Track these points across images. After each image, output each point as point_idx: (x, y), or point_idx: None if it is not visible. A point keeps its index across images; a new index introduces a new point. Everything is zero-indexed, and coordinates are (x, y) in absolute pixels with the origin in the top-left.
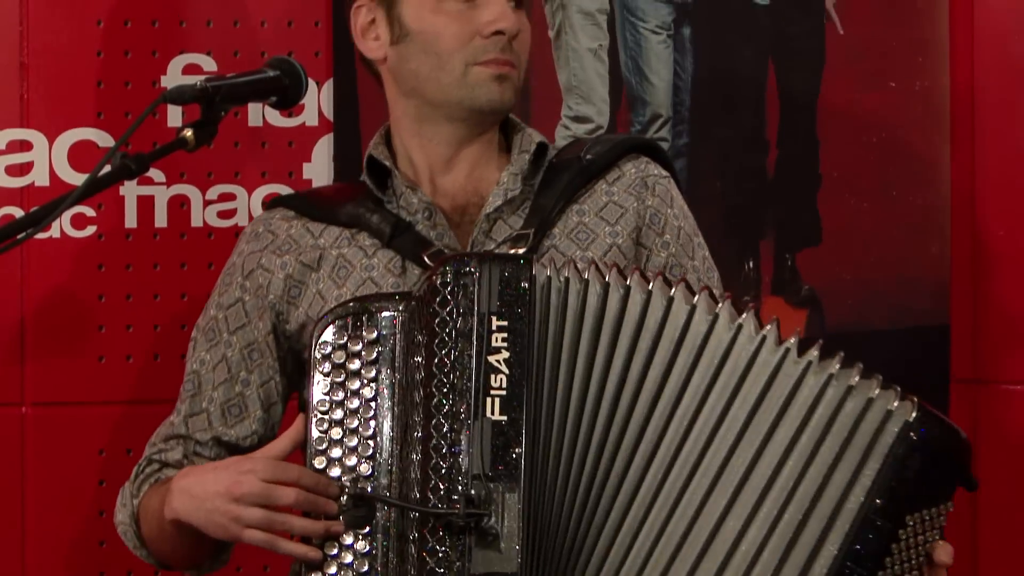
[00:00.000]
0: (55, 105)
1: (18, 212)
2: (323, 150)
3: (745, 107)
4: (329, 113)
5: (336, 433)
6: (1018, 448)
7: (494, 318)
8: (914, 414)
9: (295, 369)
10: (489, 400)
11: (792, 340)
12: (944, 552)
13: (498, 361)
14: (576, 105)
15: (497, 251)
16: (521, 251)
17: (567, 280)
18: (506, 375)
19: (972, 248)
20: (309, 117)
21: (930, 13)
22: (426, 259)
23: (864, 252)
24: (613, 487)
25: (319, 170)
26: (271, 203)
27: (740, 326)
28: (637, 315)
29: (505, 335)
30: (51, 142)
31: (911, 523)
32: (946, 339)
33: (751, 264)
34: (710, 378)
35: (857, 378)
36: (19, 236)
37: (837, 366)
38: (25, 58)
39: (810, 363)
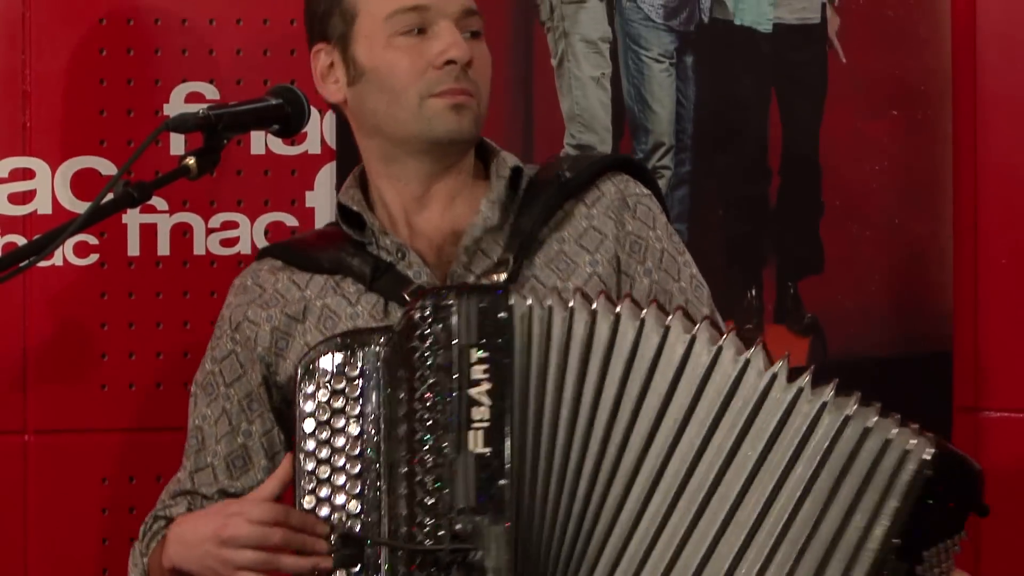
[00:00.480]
0: (58, 133)
1: (21, 240)
2: (326, 178)
3: (747, 135)
4: (332, 141)
5: (324, 471)
6: (1020, 476)
7: (473, 350)
8: (931, 450)
9: (289, 418)
10: (472, 433)
11: (806, 378)
12: None
13: (479, 393)
14: (579, 133)
15: (475, 282)
16: (502, 277)
17: (550, 308)
18: (488, 407)
19: (974, 276)
20: (312, 145)
21: (933, 41)
22: (406, 296)
23: (866, 280)
24: (607, 521)
25: (322, 198)
26: (259, 254)
27: (748, 361)
28: (629, 344)
29: (485, 367)
30: (54, 170)
31: (927, 557)
32: (948, 367)
33: (753, 292)
34: (716, 413)
35: (875, 418)
36: (22, 264)
37: (854, 406)
38: (28, 86)
39: (825, 403)
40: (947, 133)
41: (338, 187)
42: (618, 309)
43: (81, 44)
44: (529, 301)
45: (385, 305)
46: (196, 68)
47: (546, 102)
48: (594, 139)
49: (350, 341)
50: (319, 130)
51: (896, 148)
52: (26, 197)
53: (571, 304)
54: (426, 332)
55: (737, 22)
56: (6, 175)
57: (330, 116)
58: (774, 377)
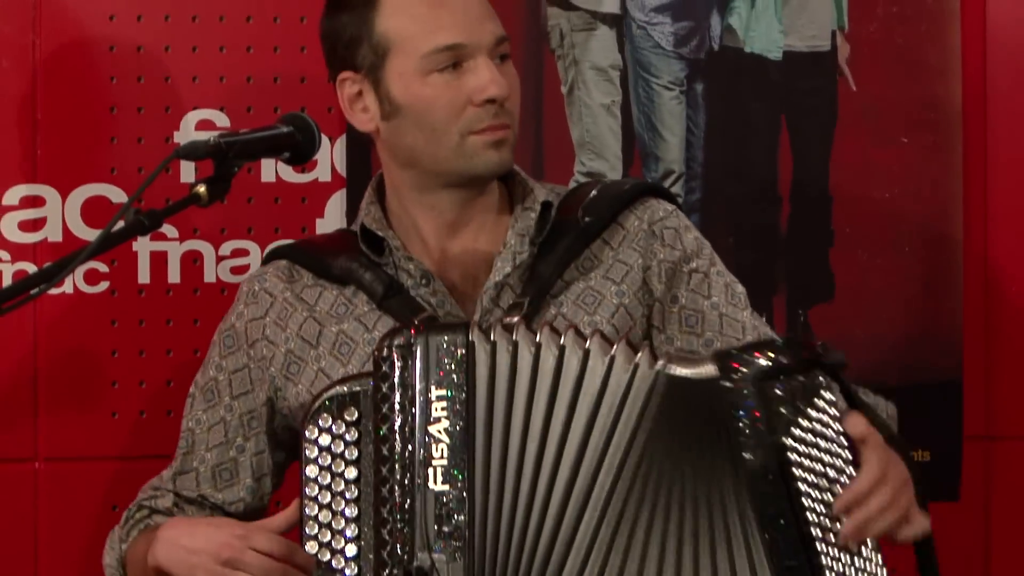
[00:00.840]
0: (68, 161)
1: (31, 268)
2: (336, 206)
3: (757, 163)
4: (342, 169)
5: (325, 516)
6: None
7: (433, 387)
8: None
9: (292, 442)
10: (431, 470)
11: (640, 355)
12: (854, 424)
13: (439, 431)
14: (589, 161)
15: (440, 320)
16: (515, 319)
17: (516, 344)
18: (447, 444)
19: (984, 304)
20: (322, 173)
21: (942, 70)
22: (416, 323)
23: (876, 308)
24: (562, 549)
25: (332, 226)
26: (267, 256)
27: (613, 358)
28: (574, 374)
29: (444, 404)
30: (64, 198)
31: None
32: (958, 395)
33: (763, 320)
34: (613, 417)
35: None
36: (32, 292)
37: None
38: (38, 113)
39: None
40: (958, 160)
41: (348, 214)
42: (562, 340)
43: (91, 71)
44: (493, 336)
45: None
46: (207, 95)
47: (556, 129)
48: (604, 167)
49: (346, 385)
50: (329, 158)
51: (907, 176)
52: (36, 225)
53: (538, 338)
54: (387, 372)
55: (747, 50)
56: (16, 203)
57: (340, 144)
58: (636, 367)
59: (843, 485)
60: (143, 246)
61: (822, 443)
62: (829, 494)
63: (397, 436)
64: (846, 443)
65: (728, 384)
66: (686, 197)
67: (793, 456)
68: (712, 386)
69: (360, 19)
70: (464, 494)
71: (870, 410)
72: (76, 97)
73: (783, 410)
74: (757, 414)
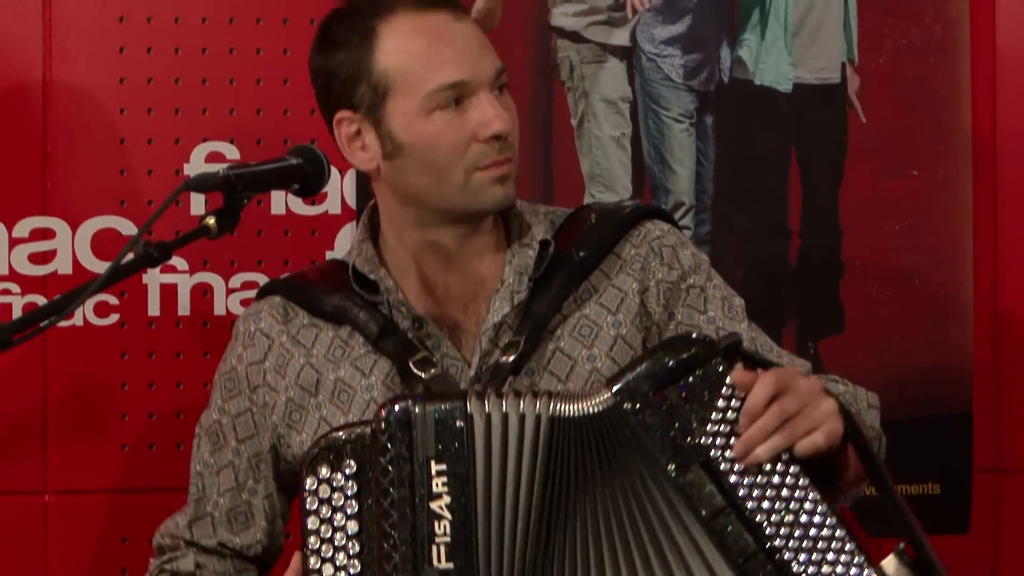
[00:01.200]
0: (78, 193)
1: (41, 300)
2: (346, 238)
3: (767, 195)
4: (352, 201)
5: (328, 571)
6: None
7: (433, 462)
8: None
9: (295, 485)
10: (434, 548)
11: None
12: (737, 378)
13: (440, 507)
14: (599, 193)
15: (437, 390)
16: (510, 359)
17: (506, 415)
18: (449, 521)
19: (994, 336)
20: (332, 205)
21: (952, 102)
22: (412, 366)
23: (887, 340)
24: None
25: None
26: (260, 291)
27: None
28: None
29: (445, 479)
30: (74, 230)
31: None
32: (968, 427)
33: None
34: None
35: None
36: (42, 324)
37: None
38: (48, 145)
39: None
40: (967, 193)
41: None
42: (535, 406)
43: (101, 103)
44: (487, 406)
45: (400, 377)
46: (216, 127)
47: (566, 161)
48: (614, 199)
49: (345, 436)
50: (339, 190)
51: (916, 208)
52: (46, 257)
53: (521, 408)
54: (387, 445)
55: (757, 82)
56: (26, 235)
57: (350, 176)
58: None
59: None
60: (153, 278)
61: (737, 428)
62: None
63: (397, 512)
64: None
65: (629, 406)
66: (696, 229)
67: (714, 452)
68: (616, 413)
69: (357, 57)
70: (469, 572)
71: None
72: (86, 129)
73: (689, 411)
74: (666, 426)
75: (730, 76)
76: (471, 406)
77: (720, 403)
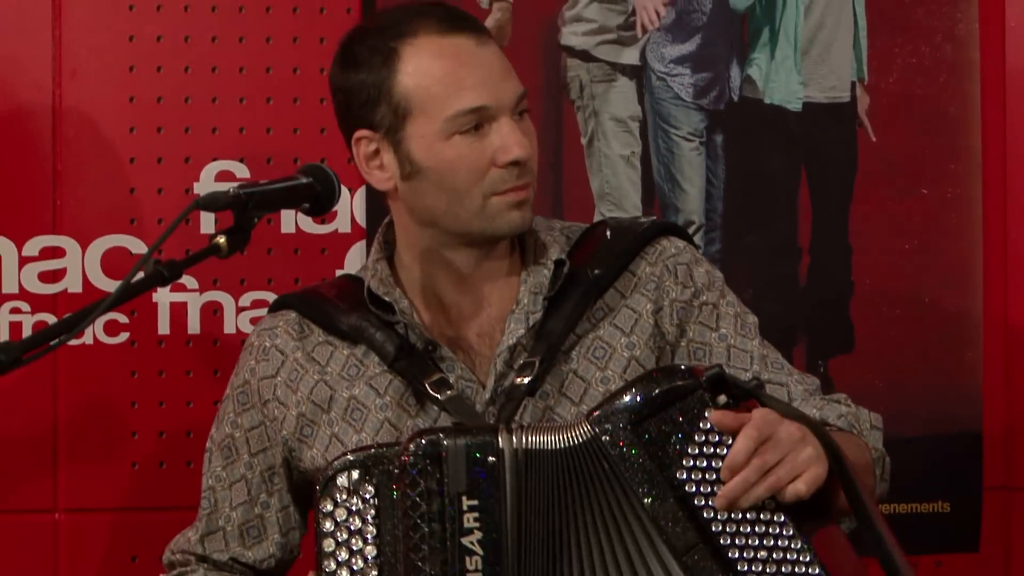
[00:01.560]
0: (88, 211)
1: (51, 319)
2: (356, 257)
3: (777, 214)
4: (362, 220)
5: None
6: None
7: (464, 497)
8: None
9: (310, 496)
10: None
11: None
12: (719, 420)
13: (471, 543)
14: (608, 212)
15: (469, 423)
16: (526, 380)
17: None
18: (480, 556)
19: (1004, 355)
20: (342, 224)
21: (962, 120)
22: (427, 388)
23: (896, 359)
24: None
25: None
26: (273, 305)
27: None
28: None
29: (476, 515)
30: (84, 248)
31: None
32: (978, 446)
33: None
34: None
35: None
36: (52, 343)
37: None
38: (58, 164)
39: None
40: (977, 212)
41: None
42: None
43: (111, 122)
44: (514, 440)
45: (416, 399)
46: (226, 146)
47: (576, 181)
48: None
49: (364, 458)
50: (349, 209)
51: (926, 227)
52: (56, 276)
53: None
54: (417, 479)
55: (767, 101)
56: (36, 253)
57: (360, 195)
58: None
59: None
60: (163, 297)
61: (715, 463)
62: None
63: (428, 546)
64: None
65: (607, 438)
66: (706, 248)
67: (690, 487)
68: (595, 444)
69: (379, 78)
70: None
71: (768, 399)
72: (96, 148)
73: (667, 445)
74: (643, 459)
75: (740, 95)
76: (502, 440)
77: (699, 438)
